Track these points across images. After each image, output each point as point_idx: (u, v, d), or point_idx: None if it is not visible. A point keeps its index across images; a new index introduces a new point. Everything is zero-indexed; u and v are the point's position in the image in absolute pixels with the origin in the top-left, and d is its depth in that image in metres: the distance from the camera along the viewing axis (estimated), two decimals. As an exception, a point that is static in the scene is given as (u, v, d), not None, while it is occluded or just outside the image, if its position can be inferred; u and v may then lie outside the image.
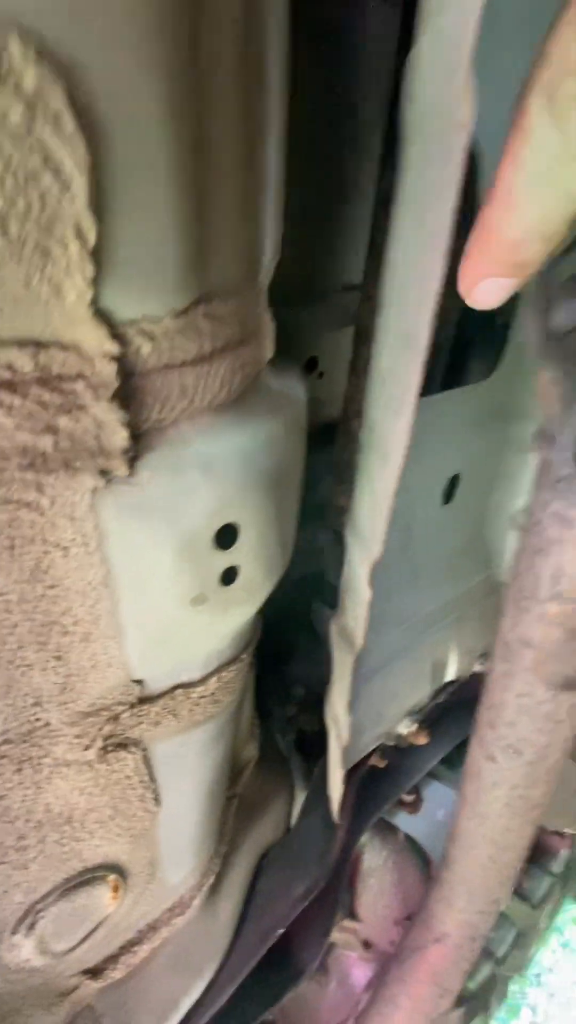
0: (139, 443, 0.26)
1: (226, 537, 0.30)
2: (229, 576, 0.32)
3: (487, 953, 0.76)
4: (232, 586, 0.32)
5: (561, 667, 0.40)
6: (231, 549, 0.31)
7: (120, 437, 0.25)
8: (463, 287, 0.23)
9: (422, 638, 0.68)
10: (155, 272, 0.24)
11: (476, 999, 0.82)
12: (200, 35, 0.21)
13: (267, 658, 0.85)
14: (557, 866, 0.85)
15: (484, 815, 0.55)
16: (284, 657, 0.88)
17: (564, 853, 0.85)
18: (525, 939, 1.11)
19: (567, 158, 0.18)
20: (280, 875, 0.60)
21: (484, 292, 0.23)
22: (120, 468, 0.26)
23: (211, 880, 0.51)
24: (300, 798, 0.73)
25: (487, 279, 0.22)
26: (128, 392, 0.25)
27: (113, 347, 0.23)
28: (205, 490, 0.28)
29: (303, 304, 0.64)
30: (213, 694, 0.38)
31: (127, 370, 0.24)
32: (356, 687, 0.53)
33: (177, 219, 0.23)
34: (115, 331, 0.23)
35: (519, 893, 0.84)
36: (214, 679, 0.38)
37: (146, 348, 0.24)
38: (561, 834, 0.85)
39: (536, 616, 0.39)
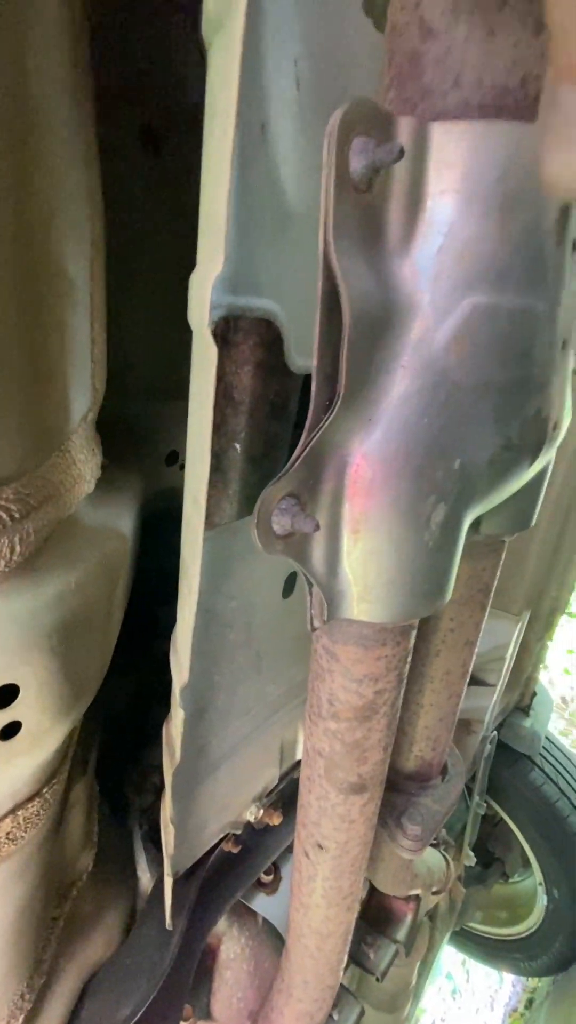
0: None
1: (2, 696, 0.32)
2: (9, 731, 0.33)
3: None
4: (13, 739, 0.33)
5: (345, 775, 0.45)
6: (10, 707, 0.32)
7: None
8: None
9: (269, 722, 0.71)
10: None
11: None
12: None
13: (128, 743, 0.83)
14: (400, 933, 0.90)
15: (307, 906, 0.58)
16: (147, 741, 0.86)
17: (409, 918, 0.91)
18: (394, 1002, 1.14)
19: None
20: (107, 997, 0.57)
21: None
22: None
23: (20, 1021, 0.48)
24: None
25: None
26: None
27: None
28: (-25, 660, 0.30)
29: (165, 400, 0.67)
30: (8, 834, 0.38)
31: None
32: (183, 796, 0.54)
33: None
34: None
35: (366, 967, 0.87)
36: (8, 820, 0.38)
37: None
38: (407, 899, 0.91)
39: (322, 730, 0.44)
